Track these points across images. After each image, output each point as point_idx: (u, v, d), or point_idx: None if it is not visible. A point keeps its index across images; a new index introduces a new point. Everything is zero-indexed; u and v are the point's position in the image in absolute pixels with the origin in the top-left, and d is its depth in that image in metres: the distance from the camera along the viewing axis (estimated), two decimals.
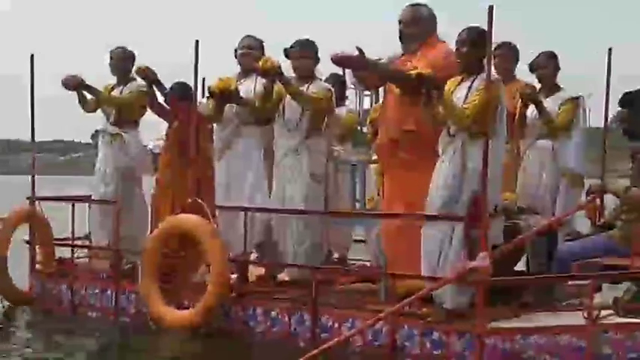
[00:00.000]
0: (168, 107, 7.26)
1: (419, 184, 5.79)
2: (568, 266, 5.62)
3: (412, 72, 5.66)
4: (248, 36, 7.15)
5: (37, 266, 7.94)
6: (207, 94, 7.12)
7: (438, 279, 5.44)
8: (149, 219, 7.38)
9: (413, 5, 6.29)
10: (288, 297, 6.38)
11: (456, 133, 5.61)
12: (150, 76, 7.20)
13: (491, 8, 5.12)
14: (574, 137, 6.70)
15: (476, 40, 5.59)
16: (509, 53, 7.03)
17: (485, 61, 5.34)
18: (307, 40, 6.84)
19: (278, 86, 6.71)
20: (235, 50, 7.12)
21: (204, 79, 7.81)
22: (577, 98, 6.72)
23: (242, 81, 7.02)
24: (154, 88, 7.27)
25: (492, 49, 6.89)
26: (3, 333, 7.14)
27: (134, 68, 7.45)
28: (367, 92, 6.98)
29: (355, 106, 8.00)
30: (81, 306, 7.46)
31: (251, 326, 6.39)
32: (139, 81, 7.43)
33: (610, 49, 6.95)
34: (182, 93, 6.97)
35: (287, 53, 6.78)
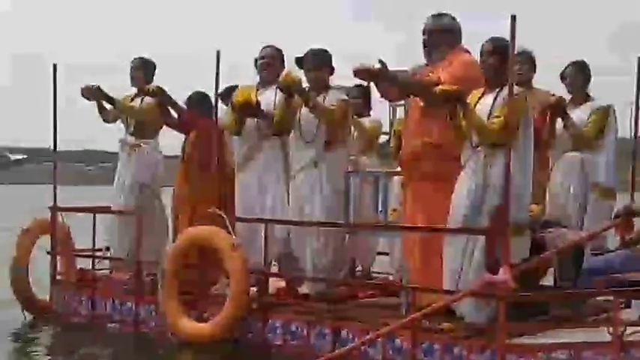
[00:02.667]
0: (182, 120, 7.23)
1: (441, 197, 5.71)
2: (593, 281, 5.50)
3: (436, 88, 5.57)
4: (268, 46, 7.10)
5: (58, 277, 7.92)
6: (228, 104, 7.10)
7: (458, 292, 5.33)
8: (169, 230, 7.33)
9: (436, 15, 6.21)
10: (309, 310, 6.30)
11: (479, 145, 5.51)
12: (159, 95, 7.17)
13: (513, 18, 5.03)
14: (605, 148, 6.59)
15: (500, 51, 5.50)
16: (526, 62, 6.93)
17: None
18: (321, 49, 6.76)
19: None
20: (255, 60, 7.07)
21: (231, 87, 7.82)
22: (607, 108, 6.61)
23: (262, 91, 6.97)
24: (167, 105, 7.24)
25: None
26: (25, 343, 7.14)
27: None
28: (400, 102, 6.86)
29: (388, 116, 7.90)
30: (101, 317, 7.43)
31: (270, 339, 6.32)
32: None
33: None
34: (200, 106, 6.94)
35: (300, 64, 6.69)
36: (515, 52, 6.81)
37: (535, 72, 6.97)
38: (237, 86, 7.18)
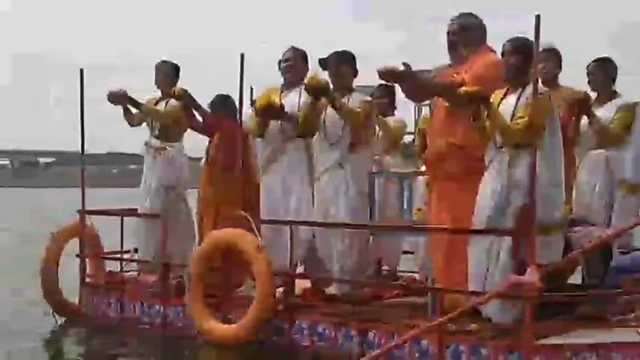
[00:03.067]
0: (206, 123, 7.25)
1: (466, 197, 5.69)
2: (621, 279, 5.46)
3: (460, 89, 5.54)
4: (292, 48, 7.10)
5: (87, 279, 7.98)
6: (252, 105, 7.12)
7: (484, 294, 5.31)
8: (195, 233, 7.37)
9: (461, 15, 6.18)
10: (335, 312, 6.31)
11: (503, 146, 5.48)
12: (183, 98, 7.21)
13: (538, 18, 5.00)
14: (631, 145, 6.53)
15: (522, 51, 5.47)
16: (552, 59, 6.88)
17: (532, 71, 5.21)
18: (345, 51, 6.76)
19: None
20: (279, 62, 7.07)
21: (252, 88, 7.86)
22: (634, 105, 6.54)
23: (286, 93, 6.98)
24: (191, 107, 7.27)
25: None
26: (54, 346, 7.22)
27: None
28: (426, 102, 6.85)
29: (413, 116, 7.88)
30: (129, 319, 7.48)
31: (297, 340, 6.32)
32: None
33: None
34: (223, 109, 6.97)
35: (324, 65, 6.69)
36: (540, 49, 6.83)
37: (560, 69, 6.91)
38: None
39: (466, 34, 6.08)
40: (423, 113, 7.59)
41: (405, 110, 7.95)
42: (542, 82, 6.87)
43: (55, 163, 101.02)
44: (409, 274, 7.83)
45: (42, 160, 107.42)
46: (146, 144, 7.86)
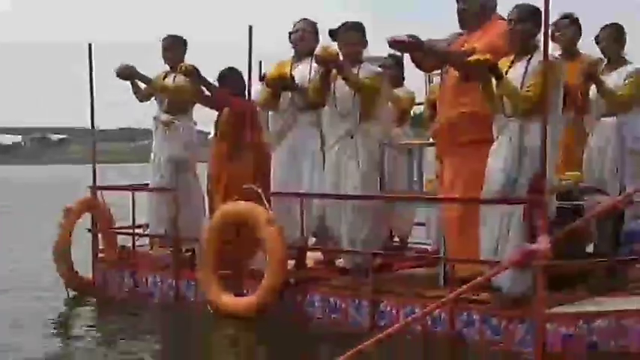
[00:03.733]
0: (216, 98, 7.23)
1: (477, 167, 5.67)
2: (633, 247, 5.44)
3: (470, 58, 5.50)
4: (303, 19, 7.06)
5: (100, 255, 8.02)
6: (262, 80, 7.09)
7: (496, 263, 5.29)
8: (205, 206, 7.38)
9: None
10: (346, 284, 6.31)
11: (513, 114, 5.44)
12: (191, 74, 7.18)
13: None
14: None
15: (529, 18, 5.42)
16: (570, 25, 6.81)
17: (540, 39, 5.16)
18: (356, 22, 6.70)
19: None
20: (290, 34, 7.03)
21: (260, 63, 7.82)
22: None
23: (297, 65, 6.94)
24: (200, 83, 7.25)
25: (556, 21, 6.78)
26: (68, 320, 7.28)
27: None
28: (436, 71, 6.80)
29: (425, 86, 7.83)
30: (142, 293, 7.51)
31: (309, 313, 6.34)
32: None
33: None
34: (231, 81, 6.96)
35: (334, 36, 6.64)
36: (559, 17, 6.78)
37: (580, 35, 6.84)
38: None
39: (476, 3, 6.02)
40: (432, 83, 7.54)
41: (414, 81, 7.90)
42: (562, 50, 6.85)
43: (68, 140, 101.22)
44: (420, 245, 7.83)
45: (54, 136, 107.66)
46: (155, 118, 7.85)
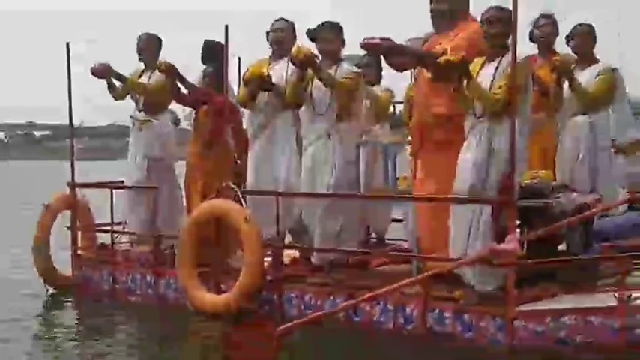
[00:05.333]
0: (193, 97, 7.30)
1: (450, 166, 5.77)
2: (600, 246, 5.55)
3: (441, 59, 5.60)
4: (280, 19, 7.13)
5: (79, 252, 8.07)
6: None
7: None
8: (182, 204, 7.45)
9: None
10: (322, 280, 6.40)
11: (482, 115, 5.55)
12: (170, 72, 7.24)
13: None
14: (614, 109, 6.58)
15: (502, 19, 5.50)
16: (548, 25, 6.91)
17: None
18: (333, 22, 6.79)
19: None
20: (267, 33, 7.11)
21: (239, 59, 7.88)
22: (614, 69, 6.58)
23: (274, 64, 7.02)
24: (176, 81, 7.31)
25: (535, 20, 6.88)
26: (47, 317, 7.33)
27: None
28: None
29: (411, 80, 7.91)
30: (122, 291, 7.58)
31: (285, 310, 6.43)
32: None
33: None
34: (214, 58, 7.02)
35: (312, 36, 6.72)
36: (539, 15, 6.87)
37: (557, 35, 6.94)
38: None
39: (449, 3, 6.11)
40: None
41: (399, 77, 7.97)
42: (538, 49, 6.94)
43: (51, 137, 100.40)
44: (398, 242, 7.92)
45: (38, 133, 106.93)
46: (132, 117, 7.91)
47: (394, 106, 7.97)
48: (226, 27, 6.70)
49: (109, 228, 8.04)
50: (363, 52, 7.54)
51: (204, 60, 7.54)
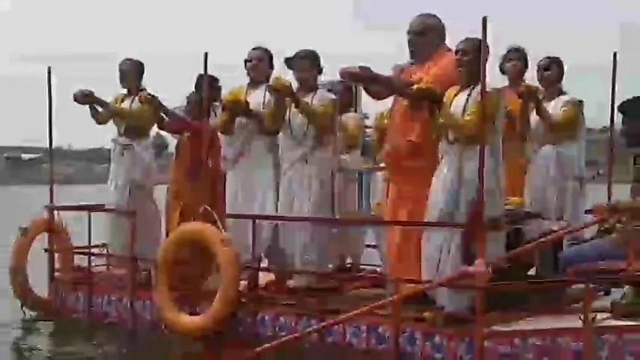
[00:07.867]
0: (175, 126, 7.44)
1: (421, 192, 5.92)
2: (567, 271, 5.71)
3: (413, 87, 5.80)
4: (257, 48, 7.29)
5: (56, 274, 8.12)
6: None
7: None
8: (162, 229, 7.54)
9: (421, 15, 6.40)
10: (297, 303, 6.51)
11: (455, 141, 5.72)
12: (150, 103, 7.40)
13: (484, 20, 5.24)
14: (578, 141, 6.77)
15: (475, 50, 5.67)
16: (519, 58, 7.11)
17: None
18: (310, 50, 6.96)
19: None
20: (245, 61, 7.26)
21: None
22: (580, 102, 6.77)
23: (251, 92, 7.17)
24: (160, 112, 7.47)
25: (505, 54, 7.10)
26: (24, 340, 7.38)
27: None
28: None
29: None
30: (98, 313, 7.64)
31: (260, 332, 6.52)
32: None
33: (615, 54, 7.06)
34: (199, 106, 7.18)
35: (289, 64, 6.89)
36: (509, 49, 7.09)
37: (527, 68, 7.13)
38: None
39: (426, 34, 6.30)
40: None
41: (369, 103, 8.12)
42: (509, 80, 7.14)
43: (40, 160, 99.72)
44: (372, 267, 8.03)
45: (25, 156, 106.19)
46: (113, 141, 8.01)
47: (365, 132, 8.13)
48: (206, 54, 6.83)
49: (86, 250, 8.09)
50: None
51: (196, 88, 7.66)
